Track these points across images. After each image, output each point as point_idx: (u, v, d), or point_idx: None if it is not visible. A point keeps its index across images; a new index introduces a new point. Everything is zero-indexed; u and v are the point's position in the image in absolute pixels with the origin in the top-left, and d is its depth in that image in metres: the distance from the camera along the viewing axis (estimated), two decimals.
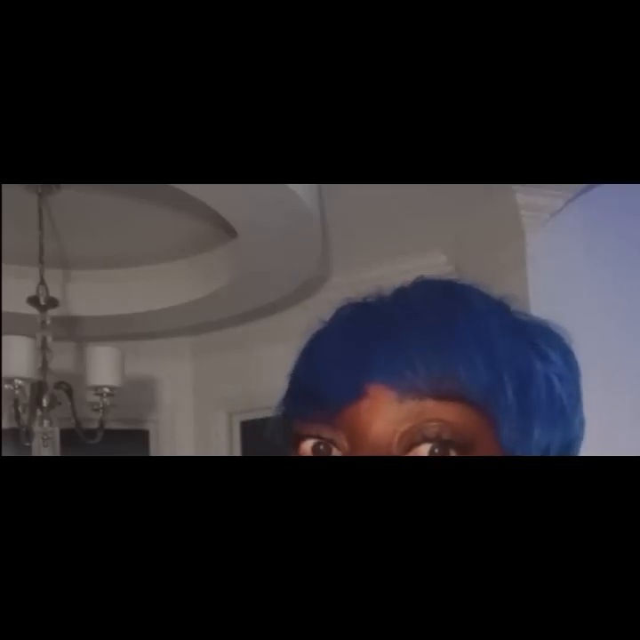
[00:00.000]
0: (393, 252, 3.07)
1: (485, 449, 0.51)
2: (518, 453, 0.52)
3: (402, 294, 0.56)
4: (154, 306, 3.31)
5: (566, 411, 0.54)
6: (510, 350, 0.52)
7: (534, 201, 2.64)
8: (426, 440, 0.50)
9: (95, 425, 2.68)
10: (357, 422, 0.50)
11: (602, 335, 2.70)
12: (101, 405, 2.64)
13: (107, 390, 2.63)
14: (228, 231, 2.79)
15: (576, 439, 0.56)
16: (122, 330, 3.39)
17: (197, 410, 3.88)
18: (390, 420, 0.50)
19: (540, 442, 0.53)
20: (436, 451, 0.50)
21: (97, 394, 2.64)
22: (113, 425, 2.89)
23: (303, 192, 2.39)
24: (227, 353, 3.75)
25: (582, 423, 0.56)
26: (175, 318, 3.41)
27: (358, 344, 0.51)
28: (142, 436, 3.93)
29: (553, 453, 0.54)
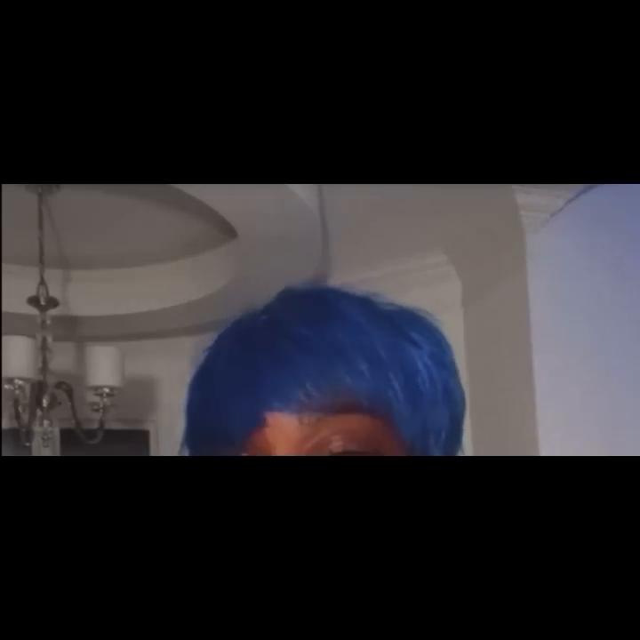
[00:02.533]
0: (393, 251, 3.07)
1: (390, 450, 0.52)
2: (418, 445, 0.53)
3: (272, 311, 0.56)
4: (154, 306, 3.31)
5: (448, 389, 0.56)
6: (389, 347, 0.53)
7: (534, 201, 2.64)
8: (333, 454, 0.51)
9: (95, 425, 2.68)
10: (263, 447, 0.52)
11: (602, 335, 2.70)
12: (101, 405, 2.64)
13: (107, 390, 2.63)
14: (228, 231, 2.79)
15: (462, 413, 0.57)
16: (122, 330, 3.39)
17: None
18: (294, 440, 0.52)
19: (433, 426, 0.54)
20: None
21: (97, 394, 2.64)
22: (113, 425, 2.89)
23: (303, 192, 2.39)
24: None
25: (463, 397, 0.58)
26: (175, 318, 3.41)
27: (247, 375, 0.53)
28: (142, 436, 3.93)
29: (445, 434, 0.55)
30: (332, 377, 0.51)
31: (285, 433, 0.52)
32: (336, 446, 0.51)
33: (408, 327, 0.56)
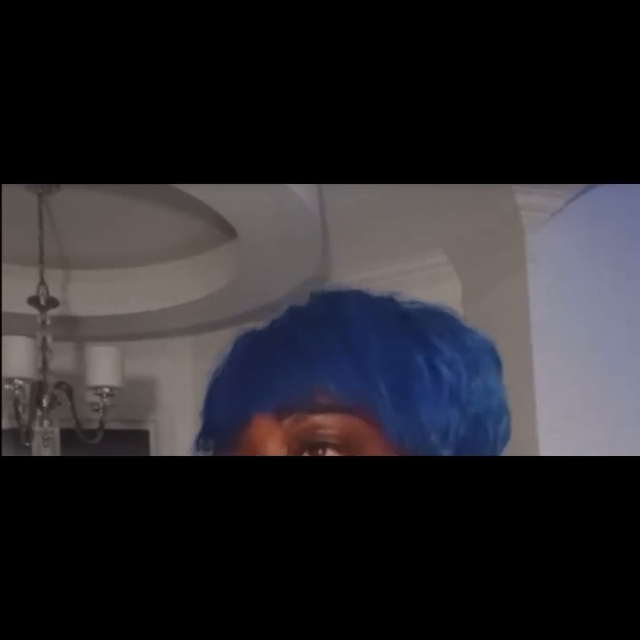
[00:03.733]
0: (393, 252, 3.07)
1: (373, 447, 0.54)
2: (408, 442, 0.54)
3: (292, 315, 0.59)
4: (154, 306, 3.31)
5: (460, 391, 0.56)
6: (384, 349, 0.55)
7: (534, 201, 2.64)
8: (312, 449, 0.54)
9: (95, 425, 2.68)
10: (250, 445, 0.55)
11: (602, 335, 2.70)
12: (101, 405, 2.64)
13: (107, 390, 2.63)
14: (228, 231, 2.79)
15: (488, 411, 0.57)
16: (122, 330, 3.39)
17: (197, 410, 3.86)
18: (277, 438, 0.55)
19: (433, 425, 0.55)
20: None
21: (97, 394, 2.64)
22: (113, 425, 2.89)
23: (303, 192, 2.39)
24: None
25: (496, 393, 0.58)
26: (175, 318, 3.41)
27: (247, 377, 0.57)
28: (142, 436, 3.93)
29: (452, 431, 0.55)
30: (315, 378, 0.54)
31: (269, 432, 0.55)
32: (316, 443, 0.53)
33: (425, 327, 0.57)
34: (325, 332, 0.56)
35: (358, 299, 0.59)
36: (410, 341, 0.56)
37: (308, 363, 0.54)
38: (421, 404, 0.55)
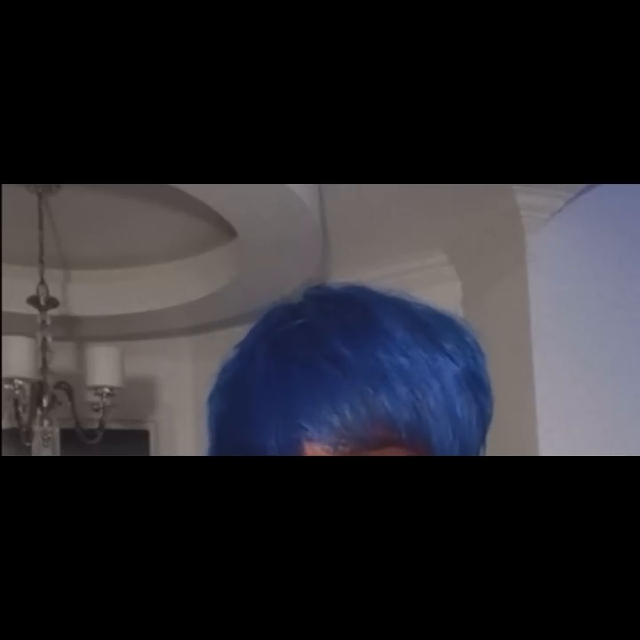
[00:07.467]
0: (393, 251, 3.07)
1: None
2: None
3: (307, 315, 0.53)
4: (154, 306, 3.31)
5: (483, 408, 0.53)
6: (430, 367, 0.50)
7: (534, 201, 2.64)
8: None
9: (95, 425, 2.68)
10: None
11: (602, 335, 2.70)
12: (101, 405, 2.64)
13: (107, 390, 2.63)
14: (228, 231, 2.79)
15: (489, 423, 0.55)
16: (122, 330, 3.39)
17: (197, 410, 3.85)
18: None
19: (467, 450, 0.52)
20: None
21: (97, 394, 2.64)
22: (113, 425, 2.89)
23: (303, 192, 2.39)
24: (227, 353, 3.73)
25: (491, 404, 0.55)
26: (175, 318, 3.41)
27: (283, 393, 0.49)
28: (142, 436, 3.93)
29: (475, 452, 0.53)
30: (372, 403, 0.48)
31: None
32: None
33: (442, 336, 0.52)
34: (367, 344, 0.49)
35: (377, 301, 0.53)
36: (439, 353, 0.51)
37: (362, 381, 0.48)
38: (460, 429, 0.51)
